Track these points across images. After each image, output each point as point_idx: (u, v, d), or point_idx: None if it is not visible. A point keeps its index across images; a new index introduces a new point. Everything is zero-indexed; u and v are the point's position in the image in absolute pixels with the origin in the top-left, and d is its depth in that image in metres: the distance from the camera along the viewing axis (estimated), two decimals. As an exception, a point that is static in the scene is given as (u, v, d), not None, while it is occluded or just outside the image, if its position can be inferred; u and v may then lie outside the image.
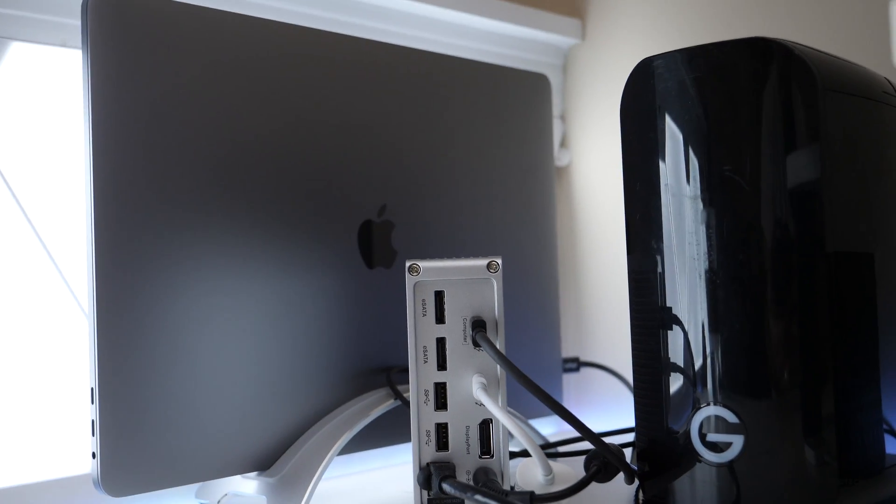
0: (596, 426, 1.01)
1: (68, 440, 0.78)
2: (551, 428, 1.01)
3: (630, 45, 1.04)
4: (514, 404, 0.78)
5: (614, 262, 1.05)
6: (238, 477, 0.72)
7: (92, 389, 0.63)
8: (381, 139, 0.80)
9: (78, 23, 0.65)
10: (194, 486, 0.76)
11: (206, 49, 0.69)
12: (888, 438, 0.61)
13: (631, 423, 0.64)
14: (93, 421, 0.63)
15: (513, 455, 0.72)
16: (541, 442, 0.84)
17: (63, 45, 0.75)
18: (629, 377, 0.65)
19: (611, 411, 1.04)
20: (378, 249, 0.79)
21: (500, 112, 0.91)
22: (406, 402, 0.74)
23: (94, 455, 0.63)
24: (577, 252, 1.09)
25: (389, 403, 0.75)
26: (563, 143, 1.10)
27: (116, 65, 0.65)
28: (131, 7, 0.66)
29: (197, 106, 0.69)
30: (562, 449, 0.84)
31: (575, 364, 1.02)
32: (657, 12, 1.01)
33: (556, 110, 1.07)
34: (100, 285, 0.64)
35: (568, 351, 1.07)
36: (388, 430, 0.77)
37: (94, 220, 0.64)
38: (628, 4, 1.04)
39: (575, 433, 0.85)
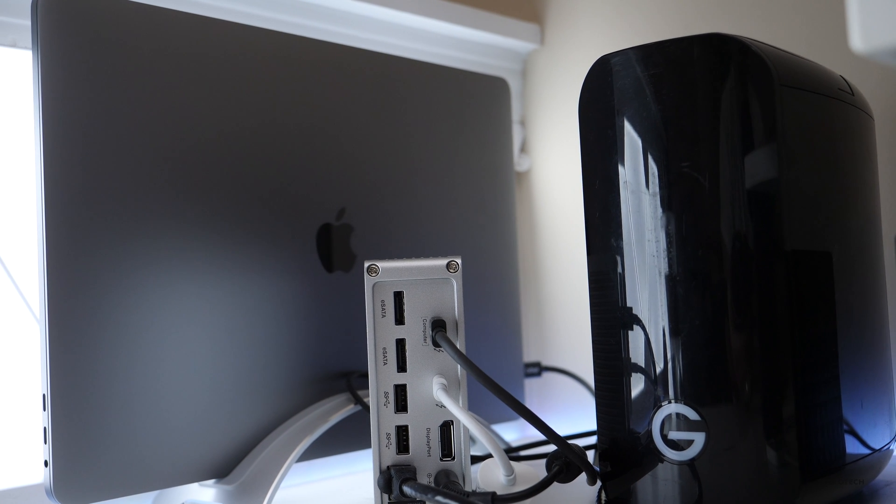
0: (558, 429, 1.01)
1: (19, 448, 0.77)
2: (514, 433, 1.00)
3: (588, 50, 1.04)
4: (475, 409, 0.77)
5: (574, 266, 1.04)
6: (195, 484, 0.71)
7: (44, 396, 0.62)
8: (339, 142, 0.80)
9: (28, 23, 0.64)
10: (151, 494, 0.74)
11: (160, 50, 0.68)
12: (848, 437, 0.61)
13: (594, 426, 0.64)
14: (45, 428, 0.62)
15: (475, 459, 0.71)
16: (503, 446, 0.83)
17: (13, 45, 0.74)
18: (591, 381, 0.64)
19: (574, 416, 1.04)
20: (337, 253, 0.79)
21: (460, 115, 0.90)
22: (366, 407, 0.73)
23: (46, 463, 0.62)
24: (538, 257, 1.09)
25: (349, 409, 0.74)
26: (523, 149, 1.09)
27: (67, 65, 0.64)
28: (82, 7, 0.65)
29: (151, 107, 0.68)
30: (524, 453, 0.83)
31: (537, 369, 1.02)
32: (615, 18, 1.01)
33: (515, 115, 1.07)
34: (52, 290, 0.62)
35: (530, 356, 1.06)
36: (348, 436, 0.76)
37: (46, 223, 0.62)
38: (586, 10, 1.04)
39: (537, 438, 0.86)
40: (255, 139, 0.74)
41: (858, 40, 0.35)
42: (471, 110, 0.92)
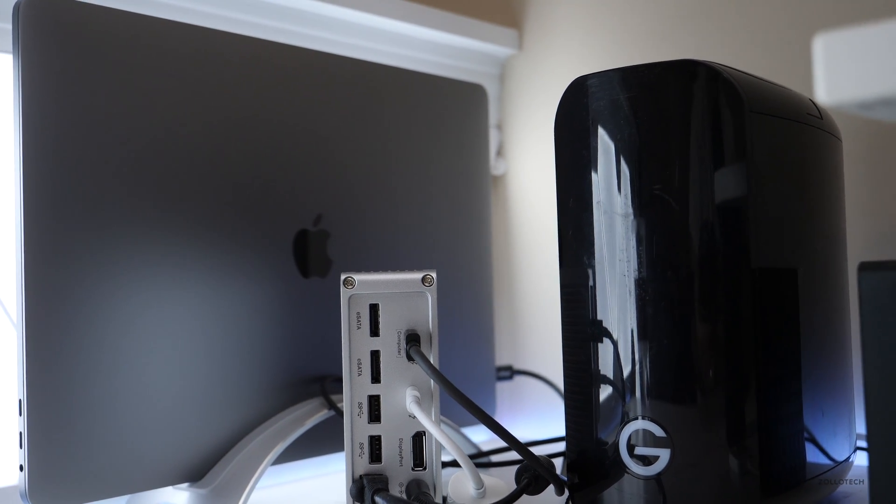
0: (529, 433, 1.02)
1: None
2: (485, 436, 1.02)
3: (566, 55, 1.05)
4: (448, 413, 0.79)
5: (548, 269, 1.06)
6: (170, 488, 0.72)
7: (20, 401, 0.63)
8: (317, 148, 0.80)
9: (8, 26, 0.64)
10: (126, 497, 0.75)
11: (140, 56, 0.69)
12: (809, 450, 0.63)
13: (562, 430, 0.65)
14: (20, 433, 0.63)
15: (445, 465, 0.72)
16: (473, 451, 0.85)
17: (-7, 49, 0.74)
18: (561, 385, 0.66)
19: (544, 418, 1.05)
20: (313, 259, 0.79)
21: (437, 122, 0.91)
22: (340, 412, 0.74)
23: (21, 468, 0.63)
24: (512, 260, 1.10)
25: (323, 414, 0.75)
26: (499, 152, 1.11)
27: (48, 69, 0.64)
28: (63, 11, 0.65)
29: (130, 113, 0.68)
30: (494, 458, 0.85)
31: (508, 372, 1.03)
32: (593, 25, 1.03)
33: (492, 119, 1.08)
34: (28, 295, 0.63)
35: (502, 359, 1.08)
36: (321, 440, 0.77)
37: (24, 228, 0.63)
38: (565, 17, 1.05)
39: (508, 442, 0.87)
40: (233, 145, 0.74)
41: (824, 94, 0.36)
42: (448, 117, 0.92)
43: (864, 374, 0.51)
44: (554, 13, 1.06)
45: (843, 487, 0.70)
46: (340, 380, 0.76)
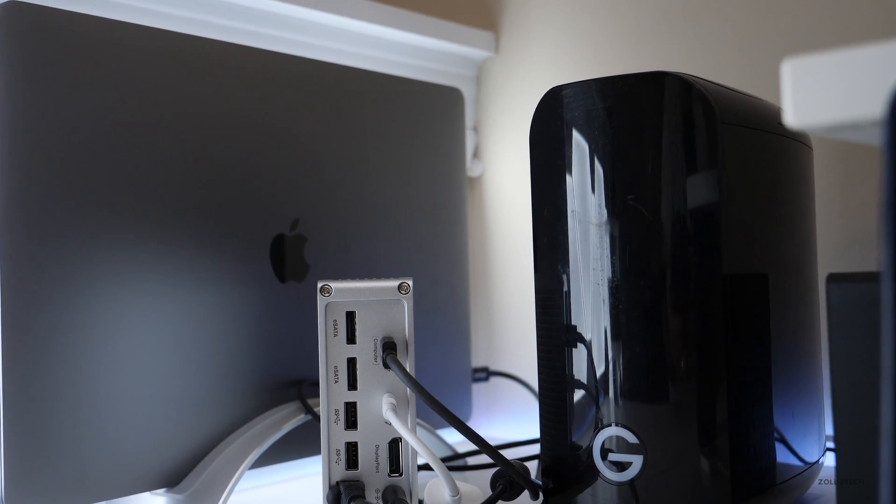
0: (505, 433, 1.03)
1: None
2: (462, 436, 1.02)
3: (543, 58, 1.06)
4: (425, 415, 0.79)
5: (524, 270, 1.06)
6: (147, 494, 0.72)
7: (-4, 409, 0.63)
8: (293, 153, 0.81)
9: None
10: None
11: (117, 60, 0.69)
12: (780, 452, 0.64)
13: (538, 431, 0.66)
14: (-3, 441, 0.63)
15: (422, 468, 0.73)
16: (449, 454, 0.85)
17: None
18: (536, 386, 0.66)
19: (519, 419, 1.06)
20: (290, 263, 0.80)
21: (414, 126, 0.92)
22: (316, 417, 0.75)
23: (-3, 476, 0.63)
24: (489, 260, 1.11)
25: (300, 418, 0.75)
26: (475, 154, 1.11)
27: (22, 73, 0.64)
28: (40, 17, 0.65)
29: (106, 117, 0.68)
30: (471, 460, 0.85)
31: (485, 374, 1.04)
32: (569, 27, 1.03)
33: (469, 121, 1.08)
34: (4, 300, 0.63)
35: (478, 360, 1.08)
36: (298, 444, 0.78)
37: (0, 232, 0.63)
38: (541, 19, 1.06)
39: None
40: (209, 150, 0.74)
41: (792, 118, 0.37)
42: (425, 120, 0.93)
43: (832, 382, 0.52)
44: (530, 16, 1.07)
45: (813, 489, 0.72)
46: (317, 384, 0.77)
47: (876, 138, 0.37)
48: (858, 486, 0.51)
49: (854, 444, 0.52)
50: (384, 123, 0.89)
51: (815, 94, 0.36)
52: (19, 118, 0.64)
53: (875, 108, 0.35)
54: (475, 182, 1.11)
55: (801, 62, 0.37)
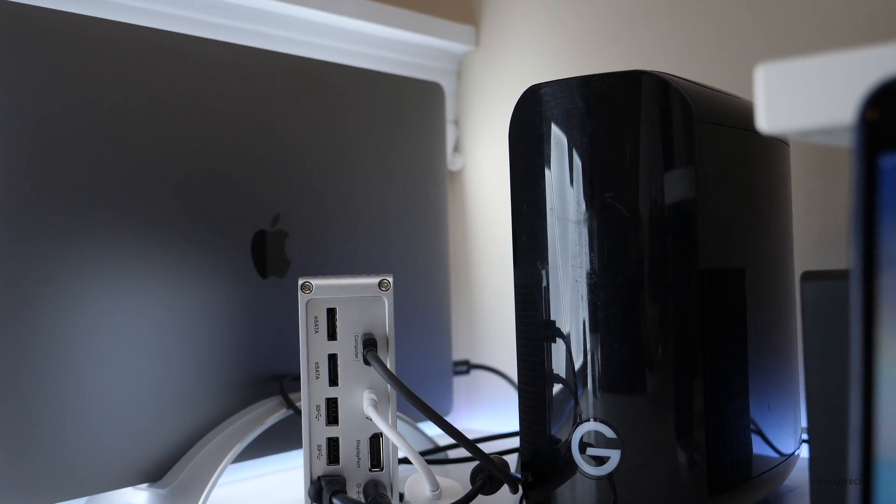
0: (485, 425, 1.04)
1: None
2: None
3: (523, 52, 1.06)
4: (406, 408, 0.80)
5: (504, 265, 1.07)
6: (129, 489, 0.72)
7: (-23, 406, 0.63)
8: (274, 149, 0.81)
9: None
10: (84, 499, 0.75)
11: (97, 57, 0.69)
12: (756, 444, 0.65)
13: (518, 423, 0.66)
14: (-22, 437, 0.63)
15: (402, 462, 0.73)
16: (430, 446, 0.86)
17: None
18: (517, 379, 0.67)
19: (500, 412, 1.07)
20: (271, 259, 0.80)
21: (395, 120, 0.92)
22: (298, 411, 0.75)
23: (-21, 472, 0.63)
24: (469, 254, 1.11)
25: (282, 413, 0.76)
26: (456, 148, 1.12)
27: (8, 71, 0.64)
28: (23, 14, 0.65)
29: (87, 113, 0.68)
30: (451, 453, 0.86)
31: (465, 367, 1.05)
32: (550, 21, 1.04)
33: (449, 115, 1.09)
34: (-15, 299, 0.63)
35: (459, 353, 1.09)
36: (280, 438, 0.78)
37: (-20, 233, 0.63)
38: (522, 13, 1.06)
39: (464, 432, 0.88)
40: (191, 146, 0.75)
41: (764, 122, 0.38)
42: (406, 115, 0.93)
43: (806, 376, 0.53)
44: (511, 9, 1.07)
45: (789, 480, 0.73)
46: (299, 378, 0.77)
47: (848, 142, 0.38)
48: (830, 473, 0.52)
49: (827, 436, 0.53)
50: (364, 118, 0.89)
51: (787, 99, 0.37)
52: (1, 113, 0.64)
53: (846, 114, 0.35)
54: (455, 176, 1.12)
55: (774, 67, 0.38)
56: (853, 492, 0.29)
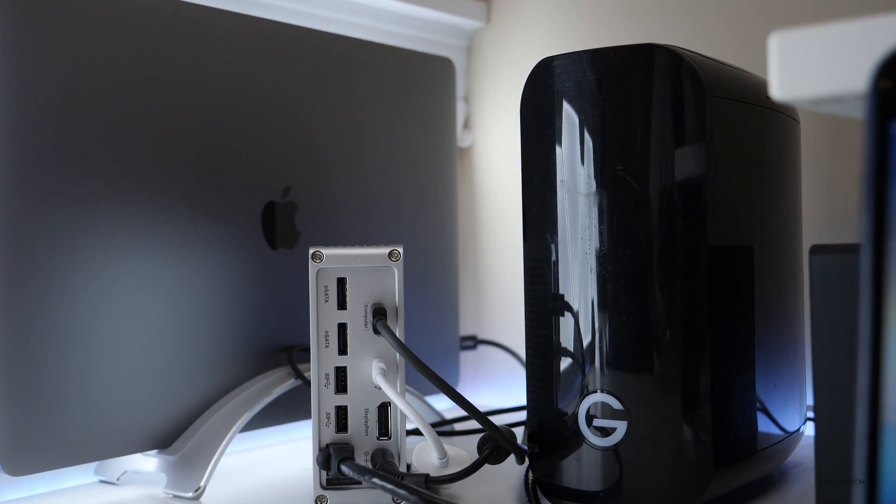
0: (492, 401, 1.04)
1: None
2: (449, 403, 1.04)
3: (534, 29, 1.06)
4: (413, 382, 0.80)
5: (512, 242, 1.07)
6: (139, 455, 0.73)
7: (-10, 370, 0.63)
8: (285, 121, 0.81)
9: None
10: (95, 464, 0.76)
11: (104, 29, 0.69)
12: (761, 421, 0.66)
13: (524, 398, 0.67)
14: (-10, 402, 0.63)
15: (410, 433, 0.74)
16: (437, 419, 0.86)
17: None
18: (523, 354, 0.68)
19: (506, 387, 1.08)
20: (281, 230, 0.80)
21: (405, 94, 0.92)
22: (307, 382, 0.76)
23: (-8, 436, 0.63)
24: (478, 231, 1.12)
25: (290, 383, 0.76)
26: (466, 125, 1.12)
27: (13, 40, 0.64)
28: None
29: (96, 86, 0.68)
30: (458, 426, 0.87)
31: (472, 342, 1.05)
32: (560, -1, 1.04)
33: (460, 92, 1.09)
34: (-1, 265, 0.63)
35: (466, 329, 1.09)
36: (288, 408, 0.79)
37: (-7, 200, 0.63)
38: (533, -10, 1.06)
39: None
40: (201, 118, 0.75)
41: (777, 90, 0.38)
42: (416, 89, 0.93)
43: (813, 352, 0.54)
44: (522, -13, 1.07)
45: (793, 457, 0.73)
46: (307, 349, 0.78)
47: (859, 112, 0.38)
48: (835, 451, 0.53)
49: (832, 414, 0.53)
50: (375, 92, 0.89)
51: (800, 67, 0.37)
52: (4, 85, 0.64)
53: (859, 82, 0.36)
54: (465, 152, 1.12)
55: (788, 35, 0.38)
56: (860, 451, 0.29)
